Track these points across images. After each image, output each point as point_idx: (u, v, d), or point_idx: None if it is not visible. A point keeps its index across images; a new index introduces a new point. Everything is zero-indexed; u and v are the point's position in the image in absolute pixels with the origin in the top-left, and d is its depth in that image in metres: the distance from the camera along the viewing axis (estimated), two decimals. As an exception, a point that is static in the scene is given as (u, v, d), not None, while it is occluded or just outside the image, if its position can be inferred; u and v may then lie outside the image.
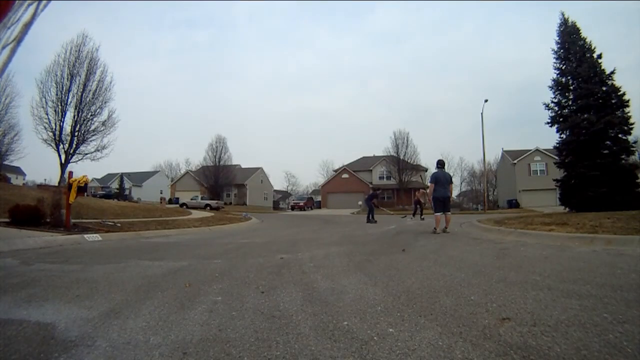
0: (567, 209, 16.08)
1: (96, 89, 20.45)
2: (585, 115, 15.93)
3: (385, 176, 46.13)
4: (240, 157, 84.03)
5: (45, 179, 46.01)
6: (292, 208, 44.01)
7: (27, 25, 1.07)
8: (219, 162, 44.44)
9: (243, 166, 53.35)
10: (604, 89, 16.23)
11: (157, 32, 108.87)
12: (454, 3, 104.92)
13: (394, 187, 42.34)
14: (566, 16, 18.36)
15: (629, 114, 15.78)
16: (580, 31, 17.91)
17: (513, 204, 35.78)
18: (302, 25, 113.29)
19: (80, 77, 20.04)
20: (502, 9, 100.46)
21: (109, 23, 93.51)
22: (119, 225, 8.91)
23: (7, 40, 1.02)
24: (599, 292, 2.40)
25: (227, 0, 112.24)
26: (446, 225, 7.93)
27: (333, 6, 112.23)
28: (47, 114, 19.37)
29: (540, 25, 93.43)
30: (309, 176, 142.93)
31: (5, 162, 30.86)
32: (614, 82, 16.32)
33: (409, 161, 40.87)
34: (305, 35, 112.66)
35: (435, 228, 7.96)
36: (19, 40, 1.06)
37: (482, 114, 30.13)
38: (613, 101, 15.99)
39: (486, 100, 30.11)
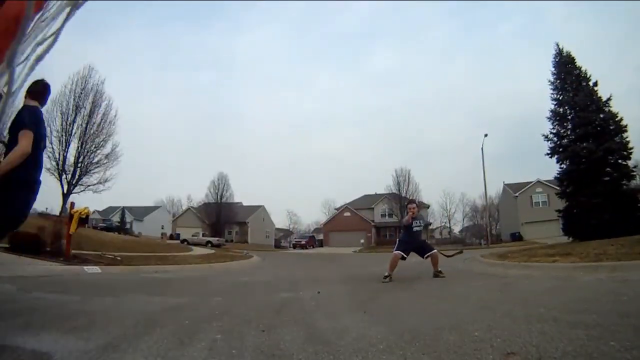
0: (571, 239, 15.83)
1: (101, 122, 20.87)
2: (585, 144, 16.10)
3: (387, 214, 45.97)
4: (241, 194, 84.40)
5: (46, 208, 45.94)
6: (294, 246, 43.49)
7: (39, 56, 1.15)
8: (221, 199, 44.61)
9: (244, 204, 53.42)
10: (602, 116, 16.51)
11: (162, 72, 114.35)
12: (447, 46, 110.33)
13: (396, 225, 42.02)
14: (560, 47, 18.75)
15: (627, 139, 15.92)
16: (575, 60, 18.25)
17: (516, 237, 35.32)
18: (302, 68, 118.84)
19: (85, 109, 20.52)
20: (493, 51, 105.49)
21: (117, 61, 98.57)
22: (119, 258, 8.84)
23: (20, 62, 1.09)
24: (605, 321, 2.37)
25: (229, 44, 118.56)
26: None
27: (332, 50, 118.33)
28: (51, 143, 19.65)
29: (532, 59, 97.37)
30: (311, 214, 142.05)
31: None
32: (611, 109, 16.63)
33: (411, 198, 40.98)
34: (306, 78, 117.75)
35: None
36: (37, 59, 1.13)
37: (482, 148, 30.38)
38: (611, 127, 16.24)
39: (486, 135, 30.46)
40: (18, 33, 0.96)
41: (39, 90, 2.96)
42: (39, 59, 1.12)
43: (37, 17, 1.09)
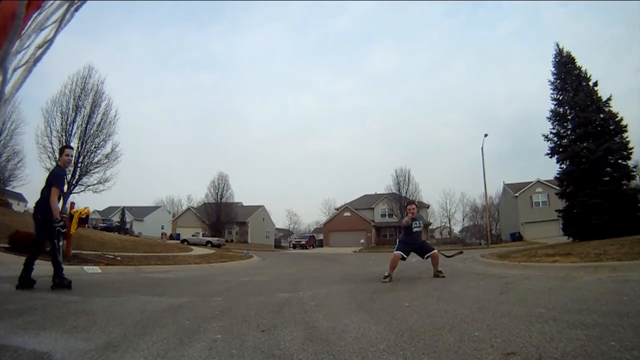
0: (571, 239, 15.78)
1: (100, 122, 20.64)
2: (585, 144, 16.02)
3: (387, 214, 45.95)
4: (241, 194, 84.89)
5: (47, 208, 45.93)
6: (294, 246, 43.41)
7: (43, 48, 1.14)
8: (221, 199, 44.52)
9: (245, 204, 53.41)
10: (602, 116, 16.42)
11: (162, 73, 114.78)
12: (446, 46, 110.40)
13: (396, 225, 42.02)
14: (561, 47, 18.56)
15: (627, 139, 15.84)
16: (575, 60, 18.05)
17: (516, 237, 35.26)
18: (302, 69, 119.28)
19: (85, 108, 20.29)
20: (492, 51, 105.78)
21: (117, 62, 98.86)
22: (119, 258, 8.84)
23: (18, 63, 1.09)
24: (605, 321, 2.37)
25: (229, 45, 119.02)
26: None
27: (331, 50, 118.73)
28: (51, 144, 19.48)
29: (532, 59, 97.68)
30: (311, 214, 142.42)
31: (8, 188, 30.99)
32: (611, 109, 16.53)
33: (410, 198, 40.90)
34: (305, 78, 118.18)
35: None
36: (35, 60, 1.12)
37: (482, 148, 30.26)
38: (611, 127, 16.15)
39: (486, 135, 30.31)
40: (9, 33, 0.94)
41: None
42: (37, 60, 1.11)
43: (34, 16, 1.08)
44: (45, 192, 4.41)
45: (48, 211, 4.33)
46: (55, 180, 4.49)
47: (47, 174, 4.54)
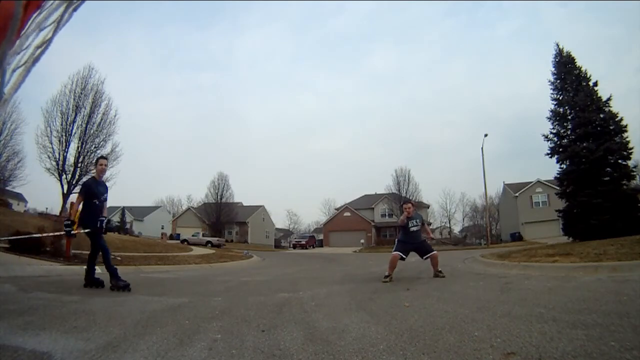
0: (571, 239, 15.76)
1: (100, 122, 20.62)
2: (585, 144, 16.02)
3: (387, 214, 45.95)
4: (241, 194, 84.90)
5: (46, 208, 46.28)
6: (294, 246, 43.41)
7: (41, 47, 1.14)
8: (221, 199, 44.57)
9: (245, 204, 53.41)
10: (602, 116, 16.41)
11: (162, 73, 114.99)
12: (446, 46, 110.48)
13: (396, 225, 42.01)
14: (561, 47, 18.53)
15: (627, 139, 15.83)
16: (575, 60, 18.03)
17: (516, 237, 35.23)
18: (302, 69, 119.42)
19: (85, 108, 20.26)
20: (492, 51, 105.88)
21: (117, 62, 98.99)
22: (119, 258, 8.84)
23: (17, 64, 1.08)
24: (605, 321, 2.37)
25: (229, 45, 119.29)
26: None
27: (331, 50, 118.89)
28: (51, 144, 19.49)
29: (533, 59, 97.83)
30: (311, 214, 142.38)
31: (8, 188, 31.01)
32: (611, 109, 16.51)
33: (411, 198, 40.89)
34: (305, 78, 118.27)
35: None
36: (34, 60, 1.12)
37: (482, 148, 30.08)
38: (611, 127, 16.14)
39: (486, 135, 30.14)
40: (7, 33, 0.94)
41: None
42: (36, 60, 1.11)
43: (34, 16, 1.08)
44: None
45: (86, 219, 4.94)
46: (81, 189, 5.31)
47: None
